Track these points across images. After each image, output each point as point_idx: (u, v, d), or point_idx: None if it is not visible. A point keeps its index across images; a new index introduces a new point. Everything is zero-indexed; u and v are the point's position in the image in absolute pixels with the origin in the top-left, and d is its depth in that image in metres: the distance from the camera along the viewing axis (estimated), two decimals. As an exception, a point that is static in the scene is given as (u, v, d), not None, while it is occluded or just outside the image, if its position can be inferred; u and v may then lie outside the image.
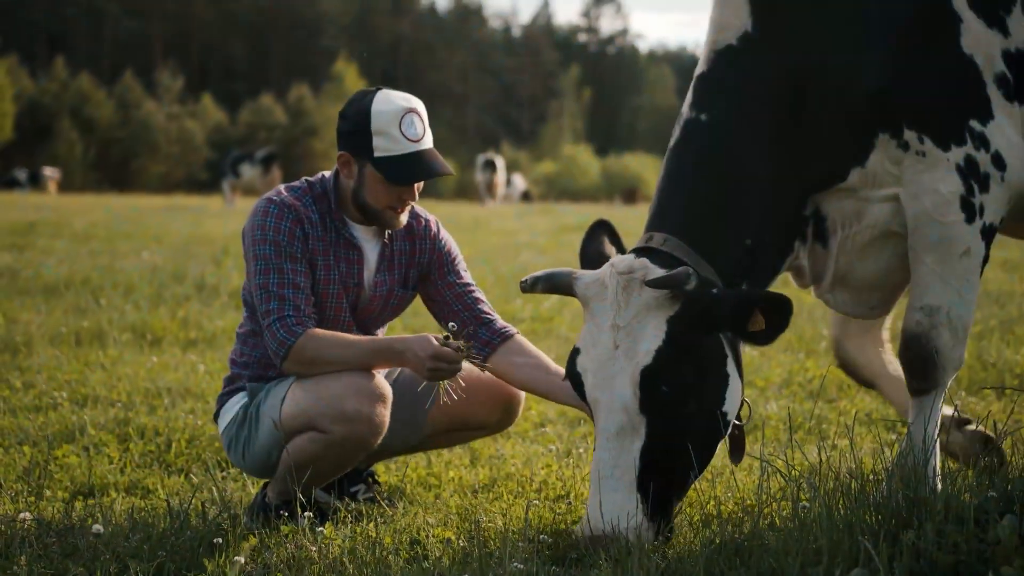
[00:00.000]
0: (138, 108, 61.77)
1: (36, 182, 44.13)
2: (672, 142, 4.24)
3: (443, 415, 4.61)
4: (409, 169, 4.37)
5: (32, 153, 55.60)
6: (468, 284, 4.68)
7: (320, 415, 4.24)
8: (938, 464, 4.06)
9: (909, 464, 3.85)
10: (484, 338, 4.55)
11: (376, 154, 4.36)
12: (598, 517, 3.85)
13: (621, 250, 4.26)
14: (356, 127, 4.38)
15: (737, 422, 4.19)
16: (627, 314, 3.92)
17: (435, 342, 4.15)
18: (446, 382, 4.27)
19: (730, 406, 4.03)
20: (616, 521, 3.82)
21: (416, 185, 4.45)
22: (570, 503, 4.67)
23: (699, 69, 4.28)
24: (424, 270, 4.65)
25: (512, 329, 4.59)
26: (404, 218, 4.51)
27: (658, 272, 3.91)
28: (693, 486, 4.07)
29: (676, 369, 3.87)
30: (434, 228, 4.70)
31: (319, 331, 4.33)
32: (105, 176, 57.96)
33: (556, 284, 4.13)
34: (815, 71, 4.15)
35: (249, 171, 33.62)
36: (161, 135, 61.08)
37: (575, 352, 4.03)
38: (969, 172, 4.14)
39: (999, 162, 4.16)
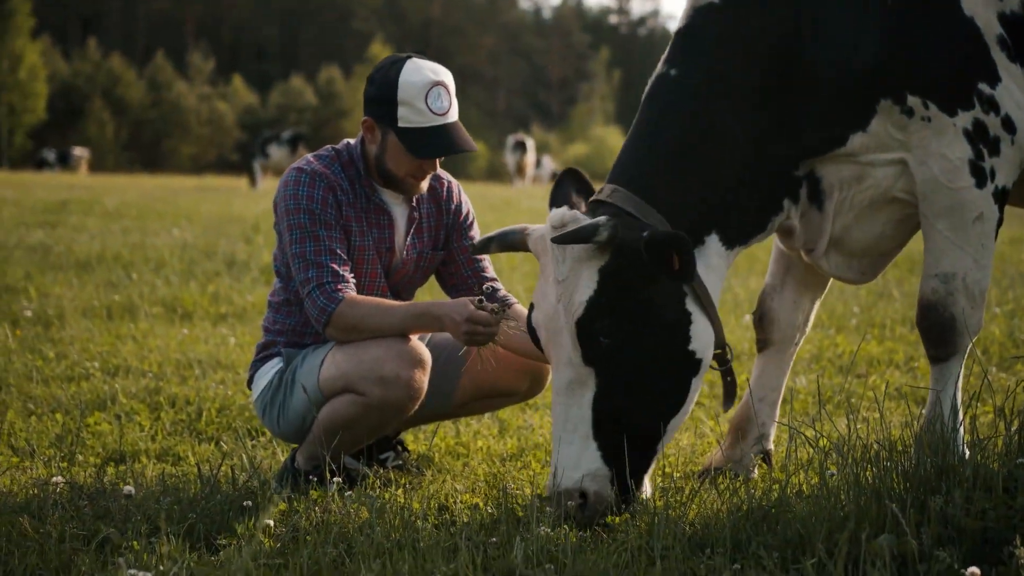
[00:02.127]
0: (169, 89, 62.09)
1: (65, 162, 44.39)
2: (643, 96, 4.20)
3: (473, 383, 4.63)
4: (432, 143, 4.38)
5: (64, 134, 55.98)
6: None
7: (360, 378, 4.26)
8: (963, 431, 4.04)
9: (936, 431, 3.83)
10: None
11: (400, 124, 4.37)
12: (553, 477, 3.83)
13: (590, 196, 4.17)
14: (382, 95, 4.39)
15: (720, 367, 4.15)
16: (564, 268, 3.89)
17: (471, 306, 4.16)
18: (482, 348, 4.28)
19: (699, 344, 3.96)
20: (570, 472, 3.81)
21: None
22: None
23: (678, 25, 4.24)
24: (447, 232, 4.68)
25: (512, 298, 4.62)
26: (424, 186, 4.54)
27: (577, 227, 3.85)
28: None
29: (612, 317, 3.82)
30: (456, 191, 4.74)
31: (359, 297, 4.35)
32: (136, 157, 58.33)
33: (510, 242, 4.12)
34: (808, 35, 4.07)
35: (277, 152, 33.73)
36: (192, 116, 61.37)
37: (531, 308, 4.02)
38: (978, 136, 4.08)
39: (1009, 125, 4.10)
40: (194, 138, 61.45)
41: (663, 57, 4.20)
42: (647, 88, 4.19)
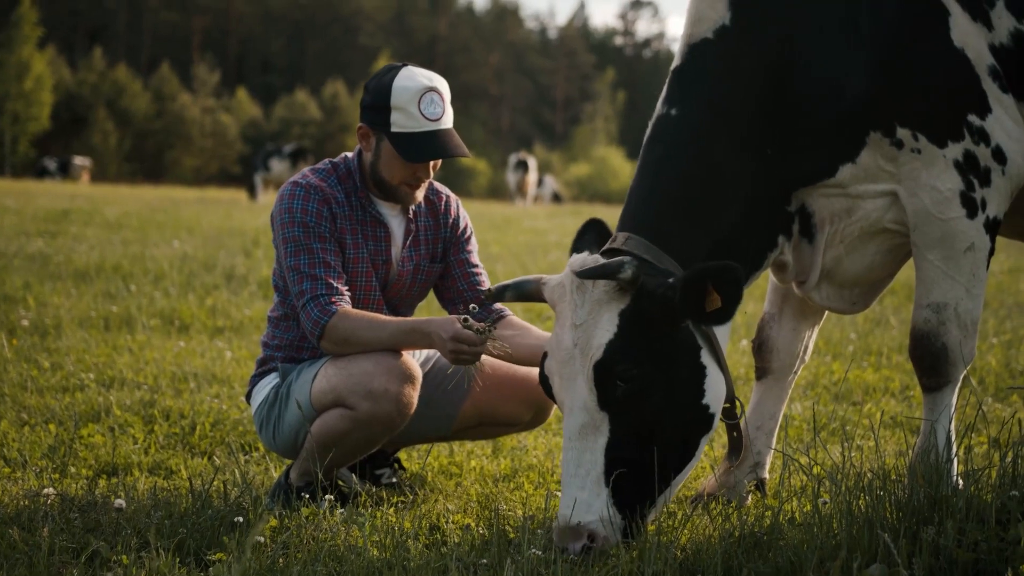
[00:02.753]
0: (173, 100, 62.18)
1: (66, 171, 44.43)
2: (645, 138, 4.18)
3: (475, 410, 4.64)
4: (423, 147, 4.39)
5: (68, 143, 56.07)
6: (476, 264, 4.75)
7: (349, 392, 4.26)
8: (956, 462, 4.03)
9: (931, 461, 3.83)
10: (480, 318, 4.59)
11: (393, 129, 4.39)
12: (565, 515, 3.77)
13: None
14: (376, 101, 4.41)
15: (728, 420, 4.13)
16: (583, 312, 3.84)
17: (457, 324, 4.16)
18: (471, 368, 4.27)
19: (711, 398, 3.92)
20: (582, 518, 3.75)
21: (432, 164, 4.47)
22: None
23: (675, 63, 4.22)
24: (445, 245, 4.68)
25: (508, 311, 4.64)
26: (420, 195, 4.55)
27: (603, 263, 3.83)
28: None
29: (631, 362, 3.77)
30: (454, 205, 4.75)
31: (352, 311, 4.35)
32: (139, 167, 58.40)
33: (525, 292, 4.08)
34: (798, 68, 4.07)
35: (278, 165, 33.81)
36: (195, 128, 61.47)
37: (544, 356, 3.98)
38: (968, 167, 4.07)
39: (1000, 156, 4.10)
40: (197, 150, 61.54)
41: (662, 96, 4.19)
42: (648, 130, 4.18)
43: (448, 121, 4.46)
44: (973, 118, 4.06)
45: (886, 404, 6.57)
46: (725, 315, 3.75)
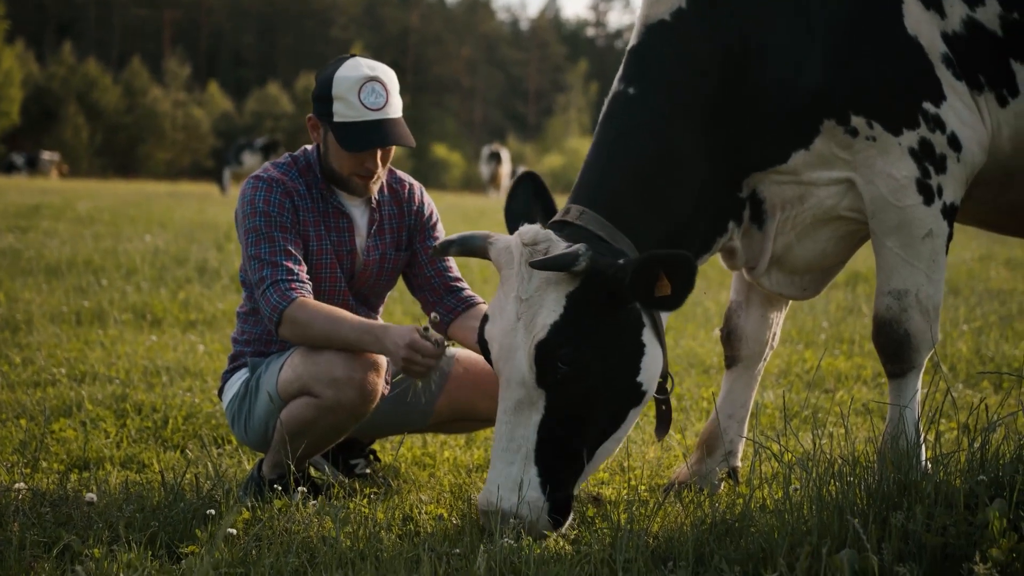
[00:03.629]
0: (144, 95, 61.88)
1: (34, 166, 44.17)
2: (601, 115, 4.21)
3: (450, 406, 4.65)
4: (362, 136, 4.37)
5: (38, 138, 55.70)
6: None
7: (313, 379, 4.25)
8: (924, 448, 4.06)
9: (900, 447, 3.85)
10: (449, 305, 4.62)
11: (335, 119, 4.38)
12: (491, 490, 3.81)
13: (547, 206, 4.17)
14: (320, 91, 4.41)
15: (659, 396, 4.15)
16: (529, 287, 3.86)
17: (416, 334, 4.11)
18: (420, 383, 4.24)
19: (646, 376, 3.95)
20: (508, 494, 3.79)
21: (380, 156, 4.46)
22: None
23: (631, 43, 4.24)
24: (410, 233, 4.68)
25: (478, 298, 4.65)
26: (375, 187, 4.53)
27: (560, 248, 3.84)
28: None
29: (574, 344, 3.80)
30: (418, 192, 4.73)
31: (311, 302, 4.33)
32: (111, 162, 58.09)
33: (471, 247, 4.08)
34: (752, 54, 4.09)
35: (250, 159, 33.75)
36: (167, 122, 61.19)
37: (484, 318, 3.99)
38: (924, 155, 4.09)
39: (955, 143, 4.11)
40: (169, 144, 61.28)
41: (618, 75, 4.22)
42: (605, 107, 4.21)
43: (393, 111, 4.42)
44: (928, 106, 4.08)
45: (858, 392, 6.60)
46: (675, 303, 3.78)
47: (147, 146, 60.85)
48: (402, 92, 4.54)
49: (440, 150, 63.96)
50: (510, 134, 70.35)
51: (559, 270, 3.79)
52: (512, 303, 3.88)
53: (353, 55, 4.49)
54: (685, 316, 9.39)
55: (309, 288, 4.38)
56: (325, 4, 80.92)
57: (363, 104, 4.34)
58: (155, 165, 59.49)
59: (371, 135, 4.37)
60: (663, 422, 4.22)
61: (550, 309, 3.82)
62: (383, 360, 4.30)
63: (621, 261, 3.82)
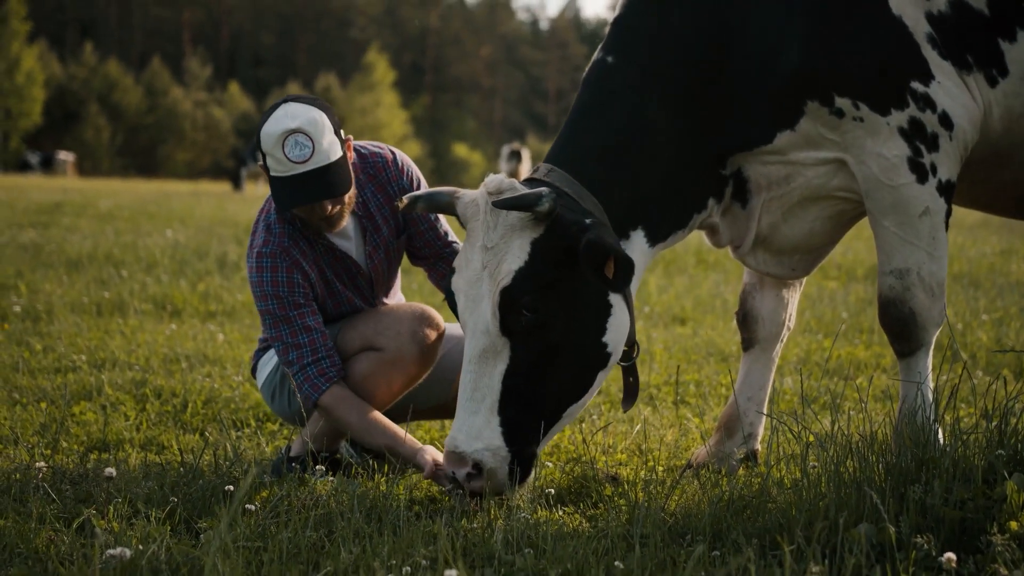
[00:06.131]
0: (165, 95, 62.12)
1: (49, 165, 44.37)
2: (581, 80, 4.24)
3: None
4: (293, 192, 4.26)
5: (60, 139, 55.98)
6: (436, 216, 4.73)
7: (376, 333, 4.41)
8: (938, 425, 4.04)
9: (917, 423, 3.84)
10: (442, 271, 4.67)
11: (271, 173, 4.30)
12: (455, 438, 3.82)
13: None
14: (258, 144, 4.33)
15: (625, 363, 4.14)
16: (495, 235, 3.87)
17: (431, 464, 4.09)
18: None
19: (612, 338, 3.96)
20: (471, 440, 3.81)
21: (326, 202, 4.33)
22: (584, 464, 4.68)
23: (616, 12, 4.26)
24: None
25: None
26: (340, 223, 4.41)
27: (521, 193, 3.85)
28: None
29: (539, 292, 3.82)
30: (390, 157, 4.64)
31: (339, 397, 4.36)
32: (132, 162, 58.35)
33: (437, 203, 4.08)
34: (734, 34, 4.08)
35: (266, 158, 33.90)
36: (187, 122, 61.41)
37: (451, 271, 4.01)
38: (915, 134, 4.07)
39: (946, 121, 4.08)
40: (189, 144, 61.53)
41: (601, 44, 4.24)
42: (585, 73, 4.23)
43: (319, 160, 4.23)
44: (916, 85, 4.06)
45: (877, 380, 6.58)
46: (617, 287, 3.82)
47: (168, 146, 61.11)
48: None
49: (460, 149, 64.03)
50: (530, 133, 70.36)
51: (522, 209, 3.79)
52: (478, 252, 3.90)
53: (286, 100, 4.34)
54: (704, 307, 9.38)
55: (337, 368, 4.40)
56: (345, 4, 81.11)
57: (288, 158, 4.21)
58: (176, 165, 59.75)
59: (296, 192, 4.24)
60: (630, 394, 4.22)
61: (515, 256, 3.84)
62: (443, 325, 4.48)
63: (588, 221, 3.83)
